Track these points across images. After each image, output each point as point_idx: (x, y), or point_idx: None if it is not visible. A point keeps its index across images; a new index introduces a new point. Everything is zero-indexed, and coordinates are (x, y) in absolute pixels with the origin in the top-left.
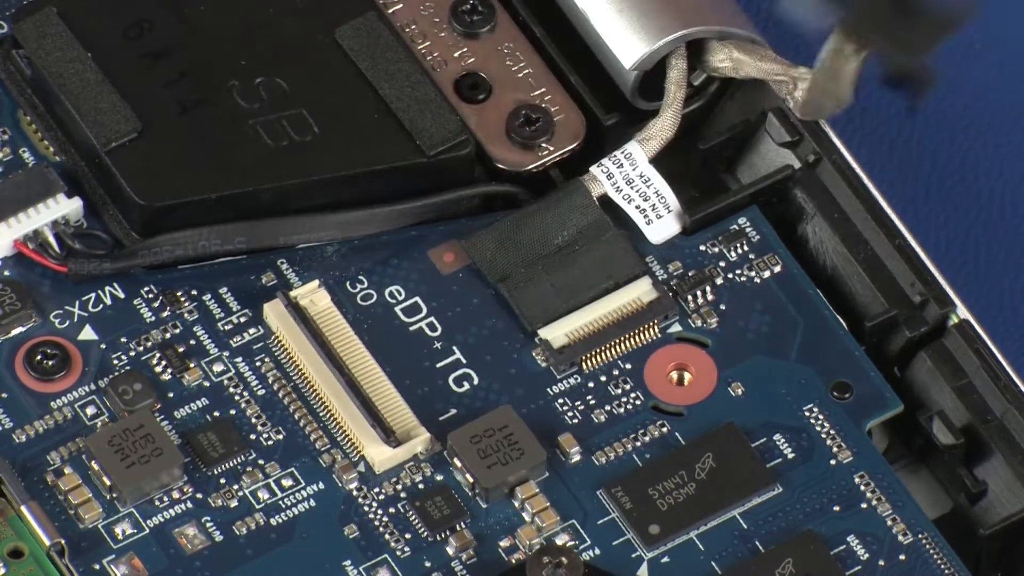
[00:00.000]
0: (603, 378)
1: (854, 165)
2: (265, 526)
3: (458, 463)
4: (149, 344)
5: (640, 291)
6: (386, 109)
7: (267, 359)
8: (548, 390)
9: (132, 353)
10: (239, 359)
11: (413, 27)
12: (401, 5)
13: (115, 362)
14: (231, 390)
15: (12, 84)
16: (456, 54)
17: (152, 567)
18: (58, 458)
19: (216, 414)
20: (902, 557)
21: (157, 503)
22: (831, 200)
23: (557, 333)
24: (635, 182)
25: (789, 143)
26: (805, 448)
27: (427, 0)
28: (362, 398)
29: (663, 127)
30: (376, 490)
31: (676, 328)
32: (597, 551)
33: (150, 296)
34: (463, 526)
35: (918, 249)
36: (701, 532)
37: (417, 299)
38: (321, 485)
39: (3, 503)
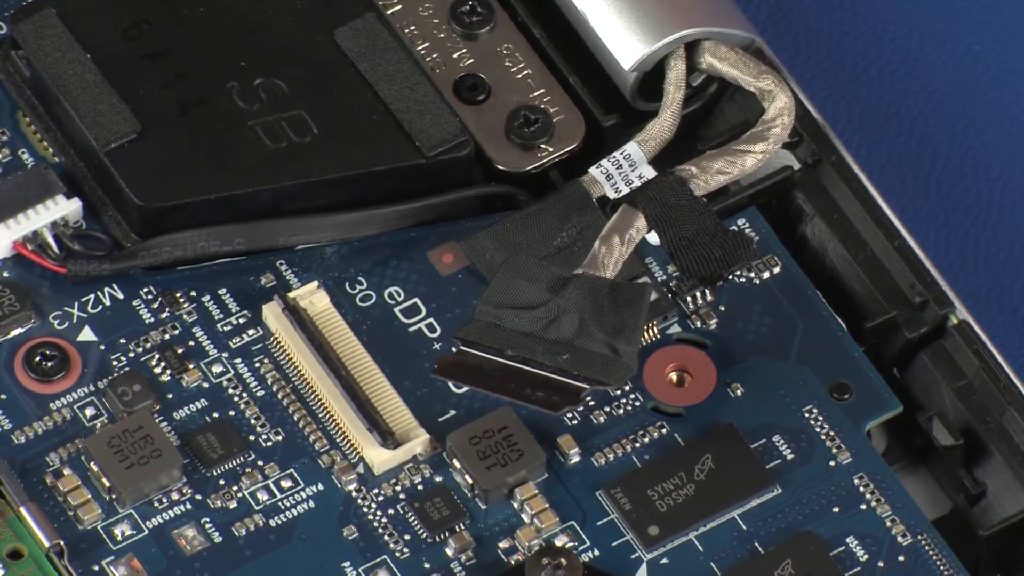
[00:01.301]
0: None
1: (853, 166)
2: (264, 527)
3: (457, 464)
4: (148, 345)
5: None
6: (385, 110)
7: (266, 360)
8: None
9: (131, 354)
10: (238, 360)
11: (412, 28)
12: (400, 6)
13: (114, 363)
14: (230, 391)
15: (11, 85)
16: (455, 55)
17: (151, 568)
18: (57, 459)
19: (215, 415)
20: (901, 558)
21: (156, 504)
22: (830, 201)
23: None
24: (634, 183)
25: (788, 144)
26: (804, 449)
27: (426, 1)
28: (361, 399)
29: (662, 128)
30: (375, 491)
31: (675, 329)
32: (596, 552)
33: (149, 297)
34: (462, 527)
35: (918, 250)
36: (700, 533)
37: (416, 300)
38: (320, 486)
39: (2, 504)
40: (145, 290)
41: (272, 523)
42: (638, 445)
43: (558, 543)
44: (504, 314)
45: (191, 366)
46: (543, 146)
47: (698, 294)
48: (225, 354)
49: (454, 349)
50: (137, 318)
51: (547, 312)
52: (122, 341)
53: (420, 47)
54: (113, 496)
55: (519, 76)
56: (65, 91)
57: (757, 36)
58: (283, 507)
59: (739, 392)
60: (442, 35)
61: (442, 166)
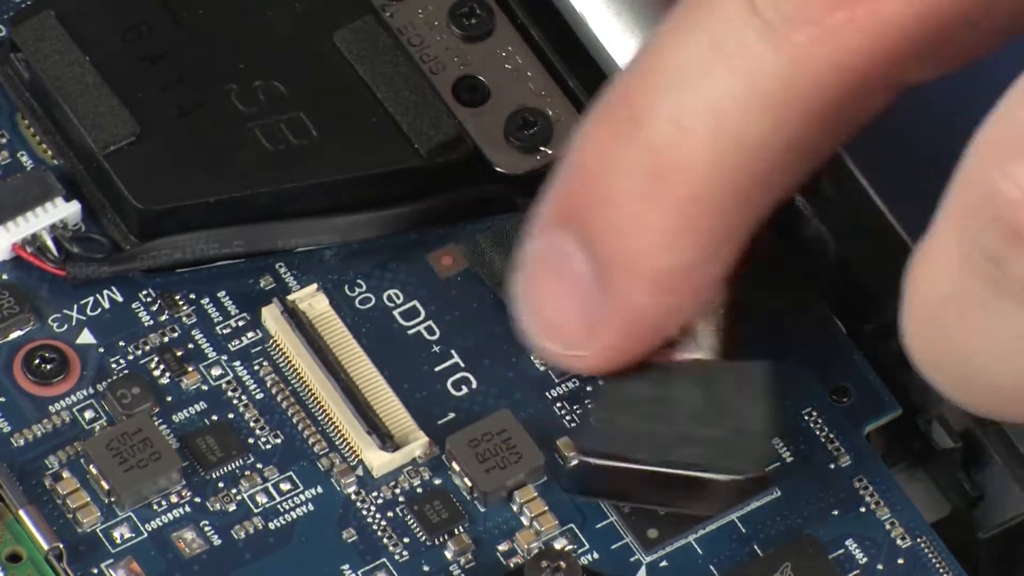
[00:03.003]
0: (601, 381)
1: (852, 167)
2: (263, 530)
3: (456, 467)
4: (147, 348)
5: None
6: (384, 112)
7: (265, 363)
8: (547, 394)
9: (130, 357)
10: (237, 363)
11: (411, 30)
12: (399, 8)
13: (113, 366)
14: (229, 394)
15: (10, 87)
16: (454, 57)
17: (150, 571)
18: (56, 462)
19: (214, 418)
20: (900, 561)
21: (155, 507)
22: (828, 202)
23: None
24: None
25: None
26: (803, 451)
27: (425, 3)
28: (360, 402)
29: None
30: (374, 494)
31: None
32: (595, 555)
33: (148, 300)
34: (461, 530)
35: None
36: (699, 536)
37: (415, 303)
38: (319, 489)
39: (1, 507)
40: (144, 292)
41: (271, 526)
42: None
43: (557, 546)
44: (620, 416)
45: (190, 368)
46: (542, 148)
47: None
48: (224, 356)
49: (576, 461)
50: (136, 320)
51: (658, 406)
52: (121, 344)
53: (419, 49)
54: (112, 499)
55: (518, 78)
56: (64, 93)
57: None
58: (282, 510)
59: None
60: (441, 37)
61: (441, 168)
